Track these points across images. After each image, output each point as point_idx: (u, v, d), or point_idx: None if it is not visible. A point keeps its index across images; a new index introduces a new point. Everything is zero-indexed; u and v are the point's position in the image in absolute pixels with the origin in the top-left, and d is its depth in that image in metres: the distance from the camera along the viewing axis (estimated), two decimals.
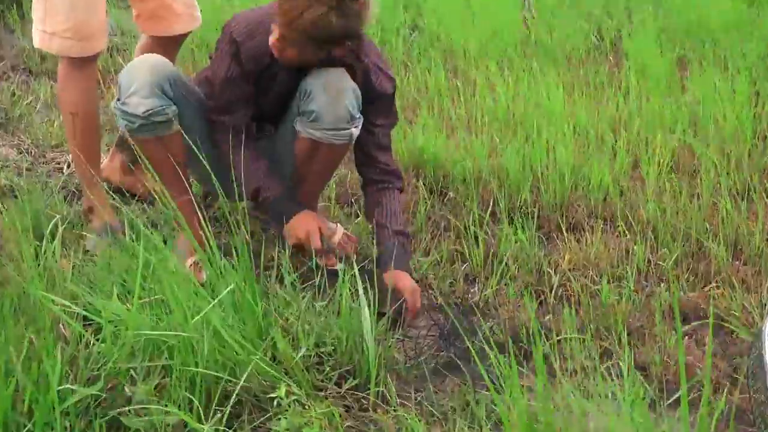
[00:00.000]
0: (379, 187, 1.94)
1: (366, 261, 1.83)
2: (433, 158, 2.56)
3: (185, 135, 1.75)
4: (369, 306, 1.51)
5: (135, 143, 1.73)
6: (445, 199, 2.43)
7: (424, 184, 2.49)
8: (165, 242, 1.71)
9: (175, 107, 1.76)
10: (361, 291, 1.52)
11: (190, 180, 1.94)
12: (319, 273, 1.67)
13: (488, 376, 1.24)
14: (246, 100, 1.83)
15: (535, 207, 2.32)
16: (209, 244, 1.46)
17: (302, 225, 1.79)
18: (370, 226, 1.95)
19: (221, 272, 1.46)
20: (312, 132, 1.84)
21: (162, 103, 1.73)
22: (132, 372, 1.29)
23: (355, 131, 1.84)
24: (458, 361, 1.61)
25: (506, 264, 2.00)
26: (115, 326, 1.36)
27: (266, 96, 1.87)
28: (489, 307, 1.88)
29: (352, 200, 2.41)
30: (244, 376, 1.33)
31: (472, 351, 1.25)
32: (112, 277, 1.55)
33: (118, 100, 1.74)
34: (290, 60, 1.75)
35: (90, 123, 1.97)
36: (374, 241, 1.88)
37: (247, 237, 1.47)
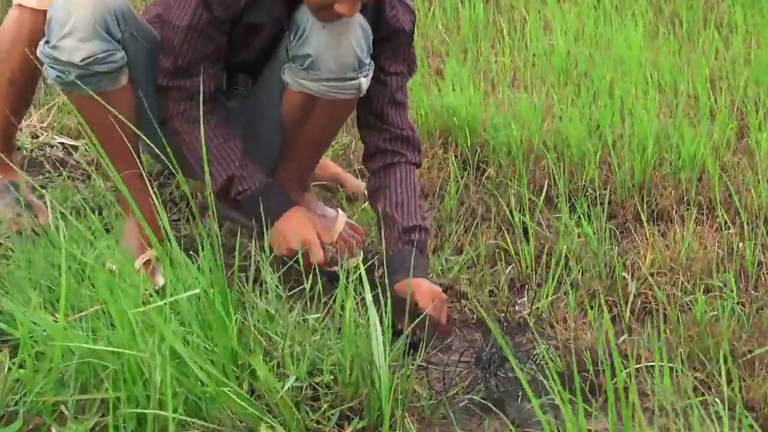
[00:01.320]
0: (388, 161, 1.93)
1: (375, 257, 1.82)
2: (467, 122, 2.56)
3: (137, 91, 1.75)
4: (380, 321, 1.48)
5: (70, 101, 1.72)
6: (484, 178, 2.43)
7: (455, 158, 2.49)
8: (108, 231, 1.69)
9: (123, 53, 1.74)
10: (369, 300, 1.49)
11: (141, 151, 1.93)
12: (311, 275, 1.64)
13: (543, 418, 1.21)
14: (215, 59, 1.81)
15: (605, 189, 2.32)
16: (167, 235, 1.45)
17: (294, 228, 1.77)
18: (376, 218, 1.94)
19: (181, 274, 1.44)
20: (306, 84, 1.83)
21: (107, 47, 1.71)
22: (61, 407, 1.28)
23: (365, 82, 1.83)
24: (501, 398, 1.59)
25: (566, 266, 1.98)
26: (39, 345, 1.35)
27: (240, 52, 1.87)
28: (543, 324, 1.87)
29: (358, 176, 2.40)
30: (212, 414, 1.32)
31: (524, 382, 1.22)
32: (32, 275, 1.54)
33: (47, 42, 1.71)
34: None
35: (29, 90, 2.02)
36: (381, 240, 1.88)
37: (215, 227, 1.45)
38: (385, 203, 1.88)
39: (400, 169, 1.91)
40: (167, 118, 1.81)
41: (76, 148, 2.49)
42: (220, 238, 1.49)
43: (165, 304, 1.41)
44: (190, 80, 1.79)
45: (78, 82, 1.68)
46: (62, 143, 2.51)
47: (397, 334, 1.63)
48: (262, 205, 1.76)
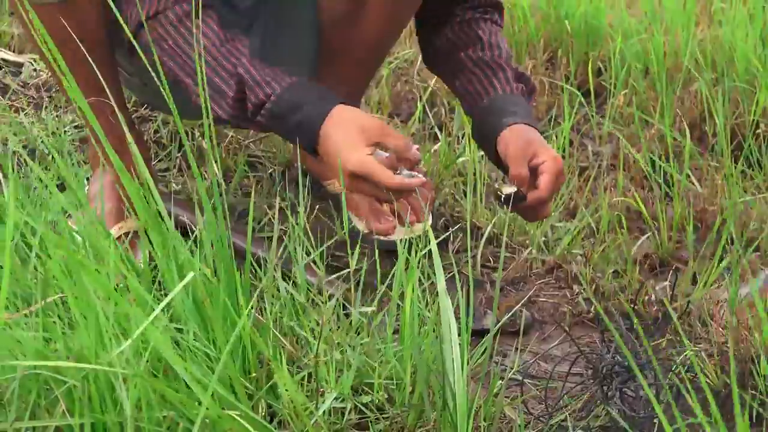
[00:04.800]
0: (468, 17, 1.98)
1: (451, 230, 1.78)
2: (583, 27, 2.57)
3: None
4: (456, 316, 1.44)
5: (23, 12, 1.71)
6: (604, 105, 2.42)
7: (566, 79, 2.47)
8: (63, 188, 1.67)
9: None
10: (442, 286, 1.45)
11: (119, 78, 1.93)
12: (357, 249, 1.61)
13: None
14: None
15: None
16: (151, 195, 1.42)
17: (349, 139, 1.69)
18: (451, 85, 1.97)
19: (173, 250, 1.42)
20: None
21: None
22: None
23: None
24: (630, 425, 1.54)
25: (729, 238, 1.94)
26: None
27: None
28: (691, 319, 1.84)
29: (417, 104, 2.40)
30: None
31: (656, 406, 1.16)
32: None
33: None
34: None
35: None
36: (462, 93, 1.91)
37: (220, 178, 1.43)
38: (478, 51, 1.93)
39: (485, 23, 1.98)
40: (142, 20, 1.77)
41: (20, 66, 2.49)
42: (225, 195, 1.47)
43: (153, 292, 1.40)
44: None
45: None
46: (1, 60, 2.52)
47: (479, 333, 1.63)
48: (297, 117, 1.67)
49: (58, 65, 1.40)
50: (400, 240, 1.60)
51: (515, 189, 1.69)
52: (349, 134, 1.63)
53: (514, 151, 1.74)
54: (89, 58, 1.65)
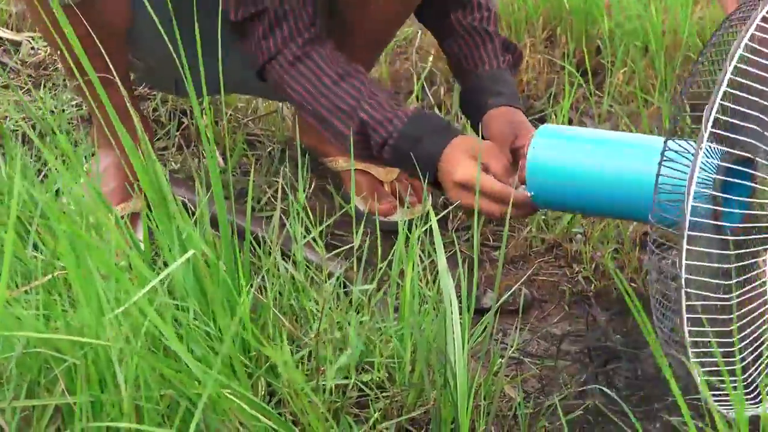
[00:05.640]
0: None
1: (450, 207, 1.78)
2: (582, 5, 2.54)
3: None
4: (457, 294, 1.44)
5: (41, 10, 1.70)
6: (603, 83, 2.40)
7: (565, 57, 2.45)
8: (63, 163, 1.66)
9: None
10: (443, 264, 1.45)
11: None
12: (361, 227, 1.63)
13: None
14: None
15: None
16: (153, 169, 1.42)
17: (461, 159, 1.72)
18: (439, 41, 2.01)
19: (174, 226, 1.42)
20: None
21: None
22: None
23: None
24: (628, 410, 1.51)
25: None
26: None
27: None
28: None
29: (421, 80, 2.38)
30: (213, 427, 1.30)
31: (672, 384, 1.15)
32: None
33: None
34: None
35: None
36: (449, 54, 1.95)
37: (219, 159, 1.42)
38: (467, 15, 1.93)
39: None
40: (261, 69, 1.80)
41: (18, 45, 2.47)
42: (228, 174, 1.47)
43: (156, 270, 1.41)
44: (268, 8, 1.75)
45: None
46: None
47: (480, 312, 1.62)
48: (417, 151, 1.72)
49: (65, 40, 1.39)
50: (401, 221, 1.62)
51: None
52: (461, 155, 1.68)
53: (496, 135, 1.75)
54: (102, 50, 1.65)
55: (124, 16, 1.80)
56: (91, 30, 1.61)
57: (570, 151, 1.58)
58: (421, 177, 1.70)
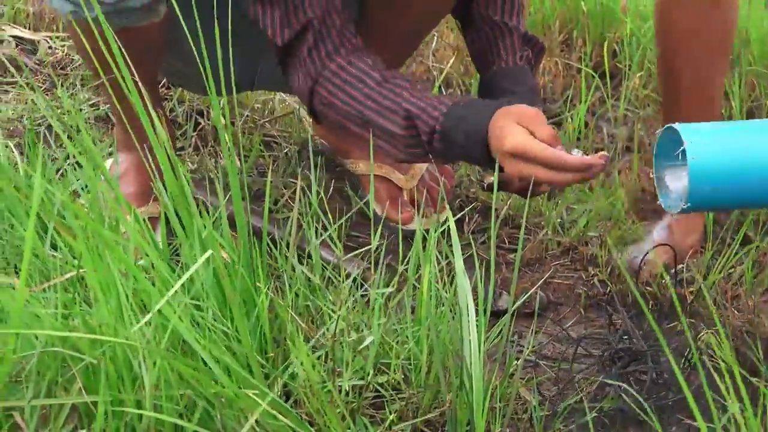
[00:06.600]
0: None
1: (466, 209, 1.78)
2: (599, 7, 2.52)
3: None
4: (474, 296, 1.44)
5: (81, 34, 1.71)
6: (620, 87, 2.38)
7: (582, 60, 2.44)
8: (79, 165, 1.66)
9: None
10: (459, 266, 1.44)
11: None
12: (379, 229, 1.63)
13: None
14: None
15: None
16: (173, 169, 1.42)
17: (508, 126, 1.66)
18: (461, 30, 1.97)
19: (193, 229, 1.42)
20: None
21: None
22: (17, 414, 1.26)
23: None
24: (640, 408, 1.53)
25: (754, 221, 1.94)
26: None
27: None
28: (722, 298, 1.82)
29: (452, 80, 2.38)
30: (230, 426, 1.30)
31: (684, 389, 1.14)
32: None
33: None
34: None
35: None
36: (470, 44, 1.94)
37: (237, 160, 1.42)
38: (489, 9, 1.91)
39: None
40: (311, 99, 1.79)
41: (35, 44, 2.47)
42: (245, 175, 1.47)
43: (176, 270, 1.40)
44: (311, 20, 1.75)
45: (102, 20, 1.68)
46: (16, 37, 2.50)
47: (497, 315, 1.63)
48: (464, 126, 1.68)
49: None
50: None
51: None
52: (508, 123, 1.61)
53: None
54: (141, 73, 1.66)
55: (160, 33, 1.81)
56: (127, 45, 1.62)
57: (732, 146, 1.48)
58: (472, 159, 1.68)
